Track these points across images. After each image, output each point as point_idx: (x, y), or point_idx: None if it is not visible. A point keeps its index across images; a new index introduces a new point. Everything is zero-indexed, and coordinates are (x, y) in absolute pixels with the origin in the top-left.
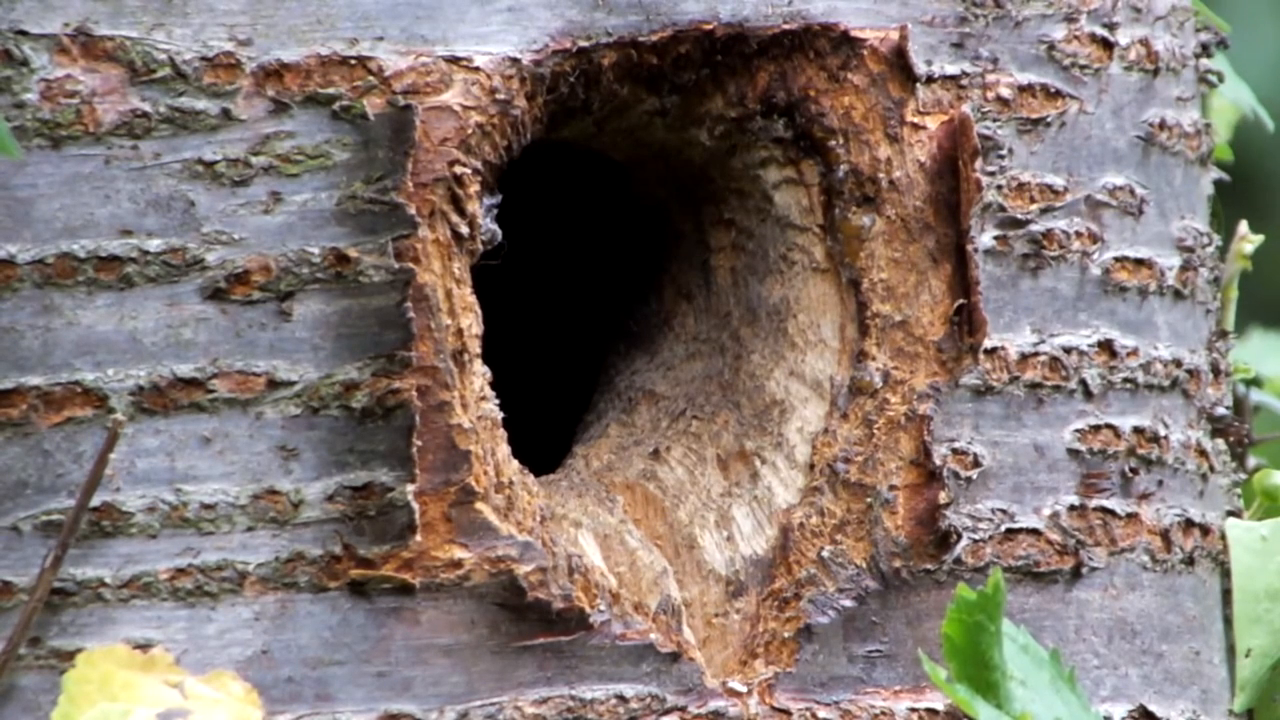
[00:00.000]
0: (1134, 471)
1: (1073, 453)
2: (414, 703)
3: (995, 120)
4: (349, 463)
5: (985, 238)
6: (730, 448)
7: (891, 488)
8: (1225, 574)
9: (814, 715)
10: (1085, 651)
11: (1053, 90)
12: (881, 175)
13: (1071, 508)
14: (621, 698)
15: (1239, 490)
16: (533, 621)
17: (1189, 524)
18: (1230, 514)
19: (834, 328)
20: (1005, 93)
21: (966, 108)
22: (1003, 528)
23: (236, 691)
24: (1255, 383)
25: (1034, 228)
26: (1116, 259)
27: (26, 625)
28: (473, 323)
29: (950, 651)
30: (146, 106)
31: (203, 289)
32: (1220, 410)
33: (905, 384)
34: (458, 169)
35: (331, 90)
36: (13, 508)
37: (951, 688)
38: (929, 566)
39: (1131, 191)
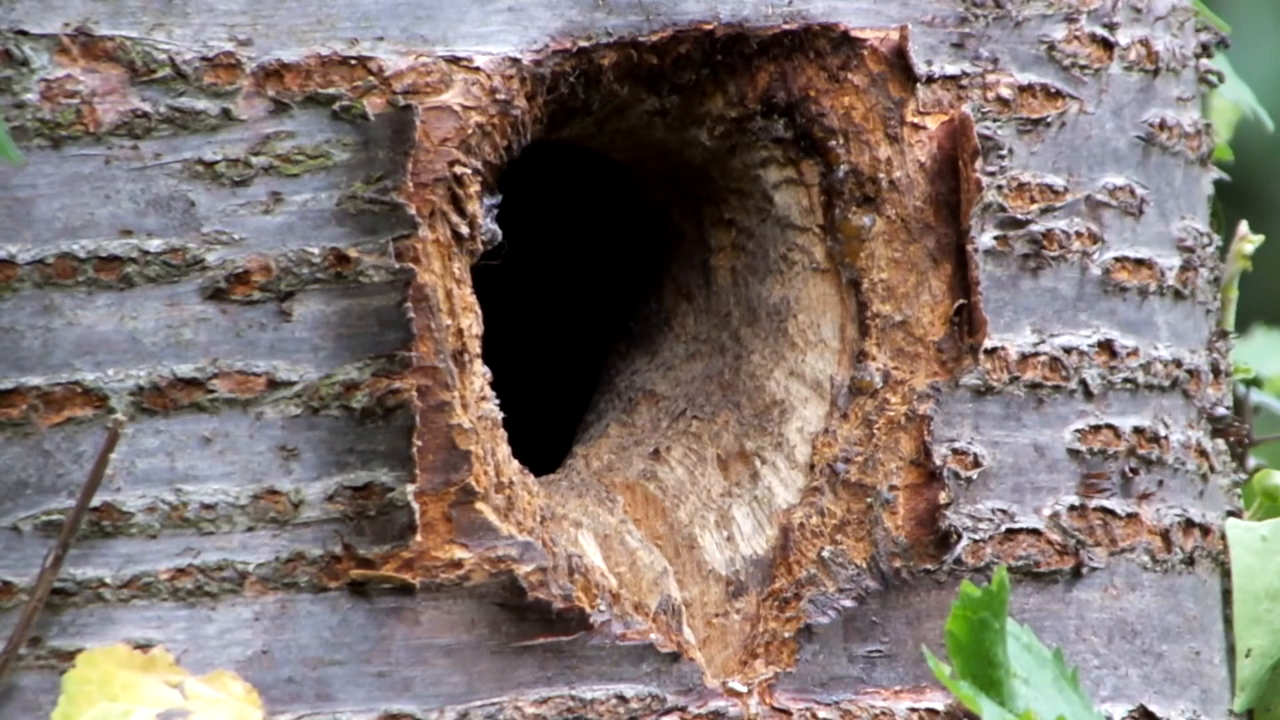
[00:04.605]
0: (1134, 471)
1: (1073, 453)
2: (414, 703)
3: (995, 120)
4: (349, 463)
5: (985, 238)
6: (730, 448)
7: (891, 488)
8: (1225, 574)
9: (814, 715)
10: (1085, 651)
11: (1053, 90)
12: (882, 175)
13: (1071, 508)
14: (622, 698)
15: (1239, 490)
16: (533, 621)
17: (1189, 524)
18: (1230, 514)
19: (834, 328)
20: (1005, 93)
21: (966, 108)
22: (1003, 528)
23: (237, 691)
24: (1255, 383)
25: (1034, 228)
26: (1117, 259)
27: (27, 625)
28: (473, 323)
29: (954, 648)
30: (146, 106)
31: (203, 289)
32: (1220, 410)
33: (905, 384)
34: (458, 169)
35: (332, 90)
36: (13, 508)
37: (956, 684)
38: (929, 566)
39: (1131, 191)
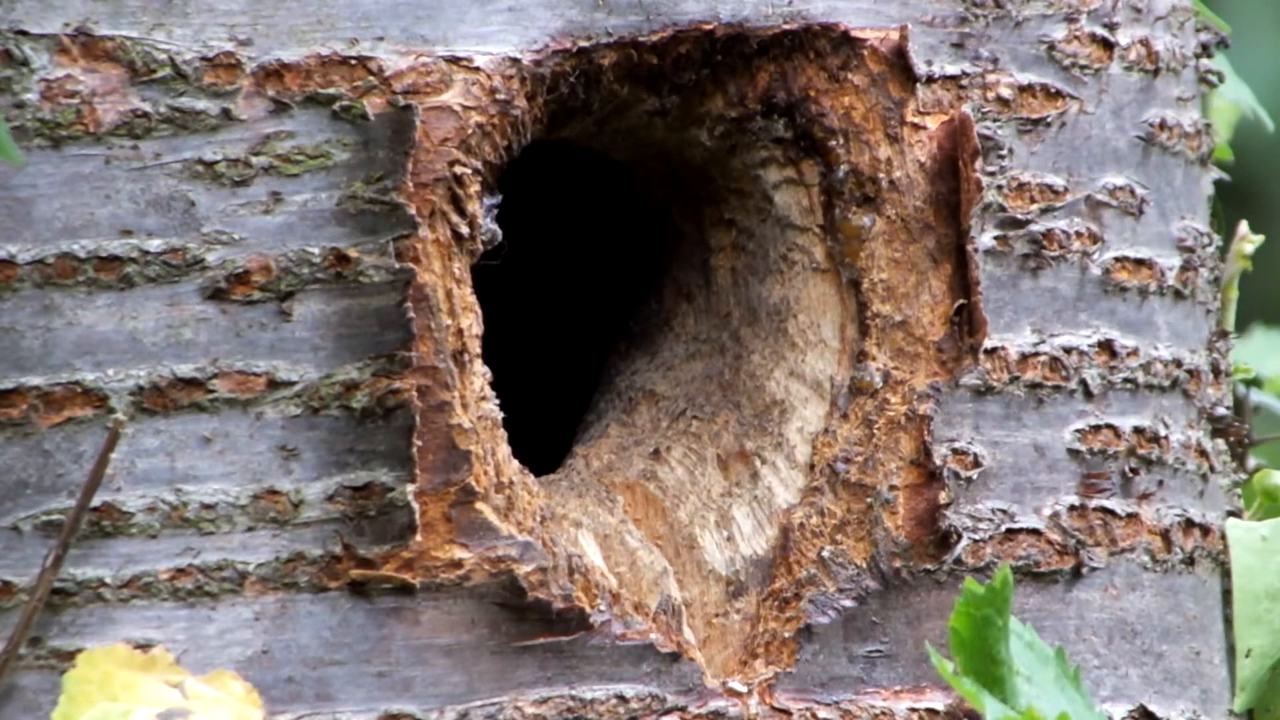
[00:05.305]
0: (1134, 471)
1: (1073, 453)
2: (414, 703)
3: (995, 120)
4: (349, 463)
5: (985, 238)
6: (730, 448)
7: (891, 488)
8: (1225, 574)
9: (814, 715)
10: (1085, 651)
11: (1053, 90)
12: (882, 175)
13: (1072, 508)
14: (622, 698)
15: (1239, 490)
16: (533, 621)
17: (1189, 524)
18: (1230, 514)
19: (834, 328)
20: (1005, 93)
21: (966, 108)
22: (1003, 528)
23: (237, 691)
24: (1255, 383)
25: (1034, 228)
26: (1117, 259)
27: (27, 625)
28: (473, 323)
29: (958, 646)
30: (147, 106)
31: (203, 289)
32: (1220, 410)
33: (905, 384)
34: (458, 169)
35: (332, 90)
36: (13, 508)
37: (959, 681)
38: (929, 566)
39: (1131, 191)
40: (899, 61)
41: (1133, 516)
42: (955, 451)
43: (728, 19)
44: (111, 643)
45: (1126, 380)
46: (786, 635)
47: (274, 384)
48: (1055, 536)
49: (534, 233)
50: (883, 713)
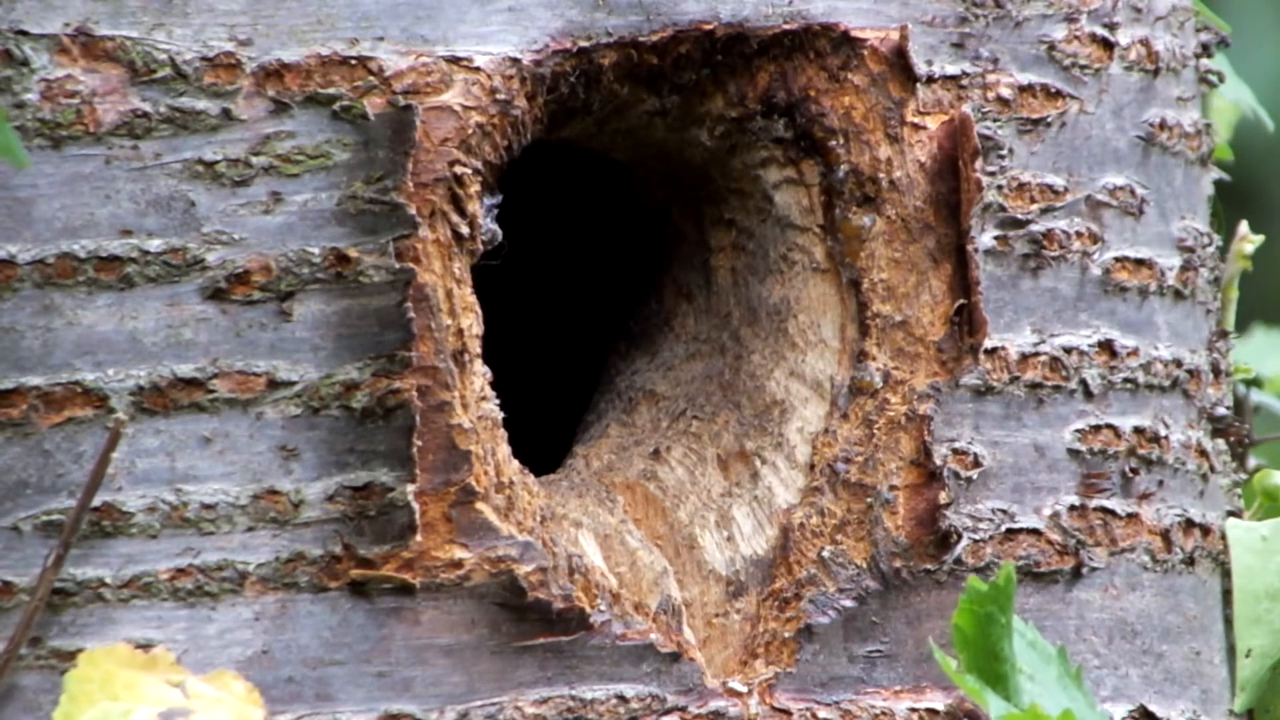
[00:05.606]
0: (1134, 471)
1: (1073, 453)
2: (414, 703)
3: (995, 120)
4: (349, 463)
5: (985, 238)
6: (730, 448)
7: (892, 488)
8: (1225, 574)
9: (814, 715)
10: (1085, 651)
11: (1053, 90)
12: (882, 175)
13: (1072, 508)
14: (622, 698)
15: (1239, 490)
16: (533, 621)
17: (1189, 524)
18: (1230, 514)
19: (834, 328)
20: (1005, 93)
21: (967, 108)
22: (1003, 528)
23: (238, 691)
24: (1255, 383)
25: (1034, 228)
26: (1117, 259)
27: (27, 625)
28: (473, 323)
29: (961, 643)
30: (147, 106)
31: (203, 289)
32: (1220, 410)
33: (905, 384)
34: (458, 169)
35: (332, 90)
36: (13, 508)
37: (962, 678)
38: (929, 567)
39: (1132, 191)
40: (899, 61)
41: (1133, 516)
42: (955, 451)
43: (728, 19)
44: (112, 643)
45: (1126, 380)
46: (786, 635)
47: (274, 384)
48: (1055, 536)
49: (534, 233)
50: (883, 713)
